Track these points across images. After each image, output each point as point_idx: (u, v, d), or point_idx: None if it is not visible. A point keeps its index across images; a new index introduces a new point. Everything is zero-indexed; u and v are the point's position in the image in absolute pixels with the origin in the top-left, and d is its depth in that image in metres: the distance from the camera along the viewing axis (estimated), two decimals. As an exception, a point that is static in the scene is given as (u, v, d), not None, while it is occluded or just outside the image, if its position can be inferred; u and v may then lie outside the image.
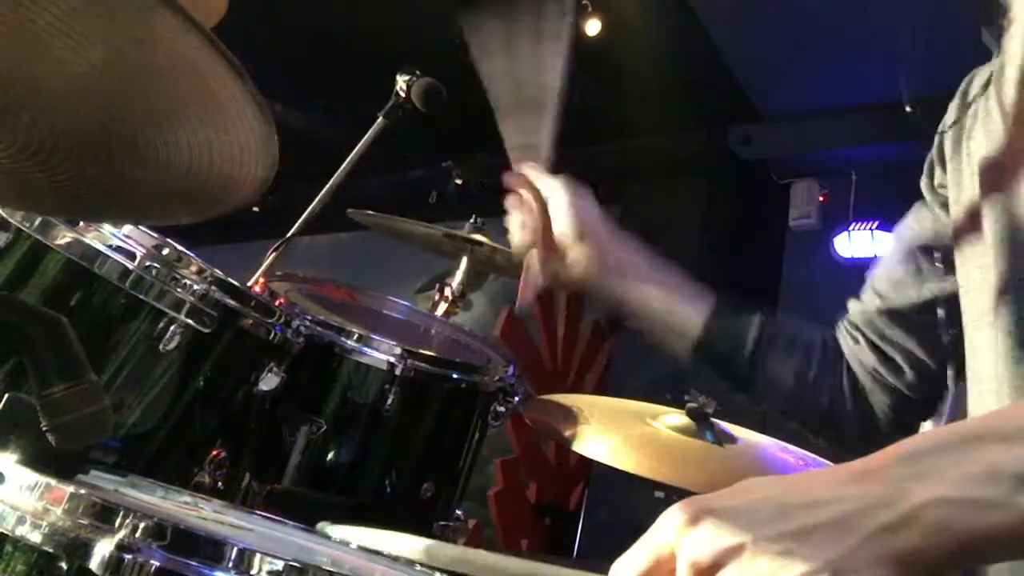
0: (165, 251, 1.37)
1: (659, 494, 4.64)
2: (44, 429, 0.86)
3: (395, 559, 0.98)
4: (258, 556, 0.74)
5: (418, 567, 0.94)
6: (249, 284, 1.73)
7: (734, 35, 4.65)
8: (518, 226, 1.27)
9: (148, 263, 1.35)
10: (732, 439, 1.43)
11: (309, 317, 1.60)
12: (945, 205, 1.13)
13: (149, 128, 0.81)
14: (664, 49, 4.60)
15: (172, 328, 1.37)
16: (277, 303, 1.56)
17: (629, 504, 4.89)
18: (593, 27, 4.65)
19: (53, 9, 0.68)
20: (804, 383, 1.24)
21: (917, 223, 1.20)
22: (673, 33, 4.57)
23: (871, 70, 4.36)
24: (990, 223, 0.97)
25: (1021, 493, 0.59)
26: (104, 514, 0.74)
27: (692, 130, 5.40)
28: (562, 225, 1.26)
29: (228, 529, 1.00)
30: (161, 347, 1.37)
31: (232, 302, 1.43)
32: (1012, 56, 0.99)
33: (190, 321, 1.38)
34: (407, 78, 2.21)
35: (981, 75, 1.11)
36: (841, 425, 1.24)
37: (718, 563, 0.59)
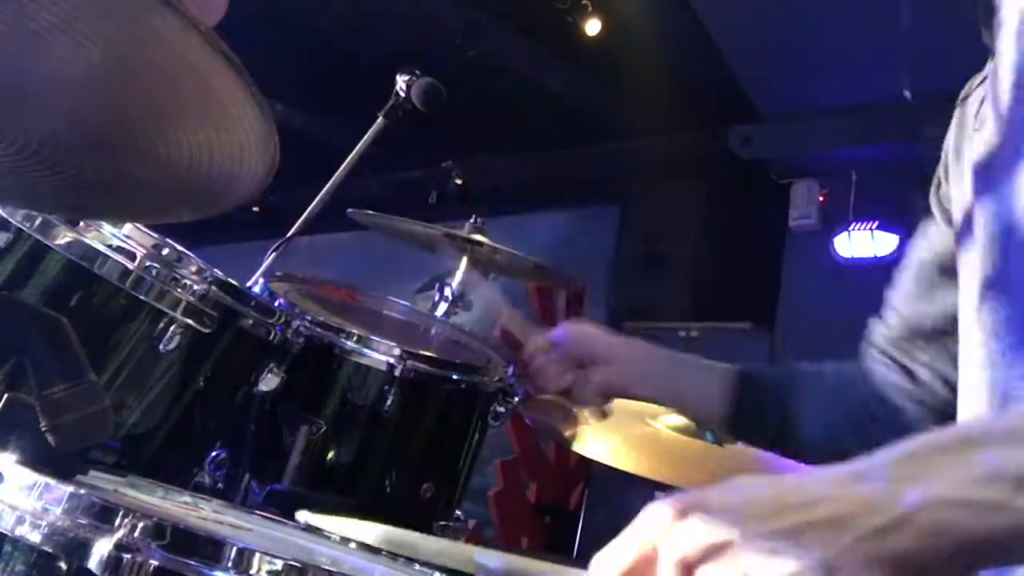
0: (165, 251, 1.37)
1: (659, 494, 4.63)
2: (44, 429, 0.86)
3: (395, 559, 0.98)
4: (257, 556, 0.74)
5: (417, 567, 0.94)
6: (249, 284, 1.73)
7: (734, 35, 4.66)
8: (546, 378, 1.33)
9: (148, 263, 1.35)
10: (732, 439, 1.43)
11: (309, 317, 1.60)
12: (950, 220, 1.14)
13: (149, 127, 0.81)
14: (664, 49, 4.60)
15: (172, 328, 1.37)
16: (277, 303, 1.56)
17: (629, 504, 4.88)
18: (593, 27, 4.65)
19: (53, 9, 0.68)
20: (836, 436, 1.23)
21: (927, 240, 1.21)
22: (673, 33, 4.58)
23: (871, 70, 4.36)
24: (980, 226, 0.97)
25: (1021, 495, 0.58)
26: (103, 514, 0.74)
27: (692, 130, 5.40)
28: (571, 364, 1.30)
29: (227, 529, 1.00)
30: (161, 347, 1.37)
31: (232, 302, 1.43)
32: (1003, 58, 0.99)
33: (190, 321, 1.38)
34: (407, 78, 2.21)
35: (978, 83, 1.11)
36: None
37: (704, 558, 0.58)
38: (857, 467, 0.63)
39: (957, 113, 1.14)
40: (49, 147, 0.83)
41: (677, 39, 4.61)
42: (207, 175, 0.84)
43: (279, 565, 0.74)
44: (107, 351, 1.34)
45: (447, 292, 2.07)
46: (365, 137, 2.23)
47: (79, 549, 0.72)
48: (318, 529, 1.02)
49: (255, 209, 6.48)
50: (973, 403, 0.98)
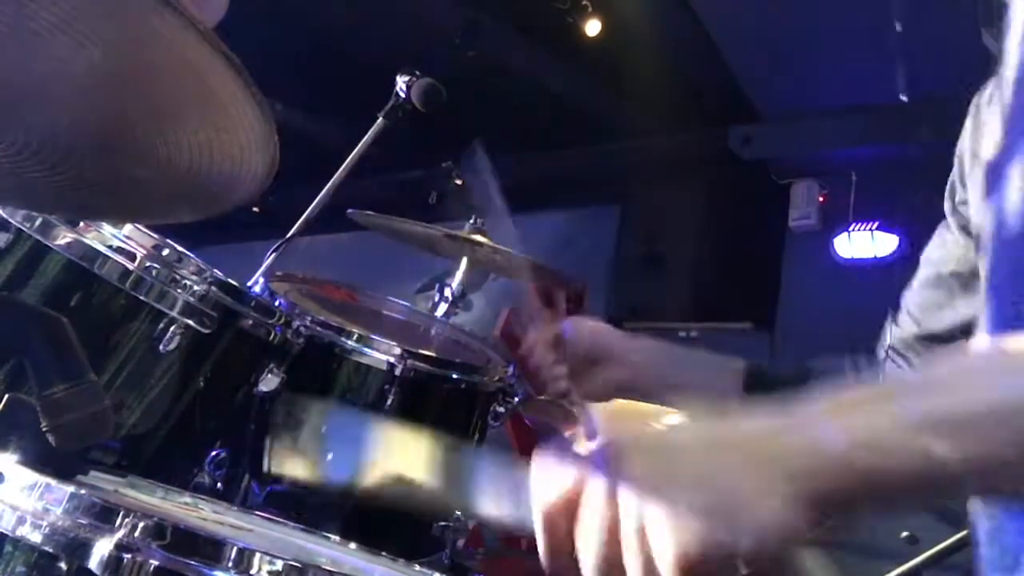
0: (165, 252, 1.36)
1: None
2: (44, 429, 0.86)
3: (395, 559, 0.98)
4: (257, 556, 0.74)
5: (417, 567, 0.94)
6: (249, 284, 1.73)
7: (734, 35, 4.65)
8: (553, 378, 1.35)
9: (148, 264, 1.35)
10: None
11: (309, 317, 1.60)
12: (965, 228, 1.14)
13: (149, 127, 0.81)
14: (664, 49, 4.60)
15: (172, 329, 1.37)
16: (277, 304, 1.56)
17: (629, 504, 4.88)
18: (593, 27, 4.65)
19: (53, 9, 0.68)
20: None
21: (943, 247, 1.21)
22: (673, 33, 4.58)
23: (871, 70, 4.36)
24: (988, 223, 0.97)
25: (925, 439, 0.61)
26: (104, 514, 0.74)
27: (692, 130, 5.40)
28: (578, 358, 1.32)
29: (228, 529, 1.00)
30: (161, 347, 1.37)
31: (232, 302, 1.43)
32: (1010, 58, 0.99)
33: (190, 322, 1.38)
34: (407, 78, 2.20)
35: (991, 86, 1.11)
36: None
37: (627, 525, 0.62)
38: (783, 413, 0.66)
39: (971, 116, 1.13)
40: (49, 147, 0.83)
41: (677, 39, 4.61)
42: (207, 175, 0.84)
43: (279, 565, 0.74)
44: (107, 351, 1.34)
45: (447, 292, 2.07)
46: (365, 137, 2.23)
47: (80, 549, 0.72)
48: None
49: (255, 209, 6.48)
50: None
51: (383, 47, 4.21)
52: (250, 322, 1.46)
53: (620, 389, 1.33)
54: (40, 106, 0.80)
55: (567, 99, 5.33)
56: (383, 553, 1.01)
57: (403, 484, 0.99)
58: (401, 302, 2.03)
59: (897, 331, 1.27)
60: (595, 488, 0.65)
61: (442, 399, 1.71)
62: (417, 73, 2.22)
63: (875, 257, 4.87)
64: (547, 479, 0.68)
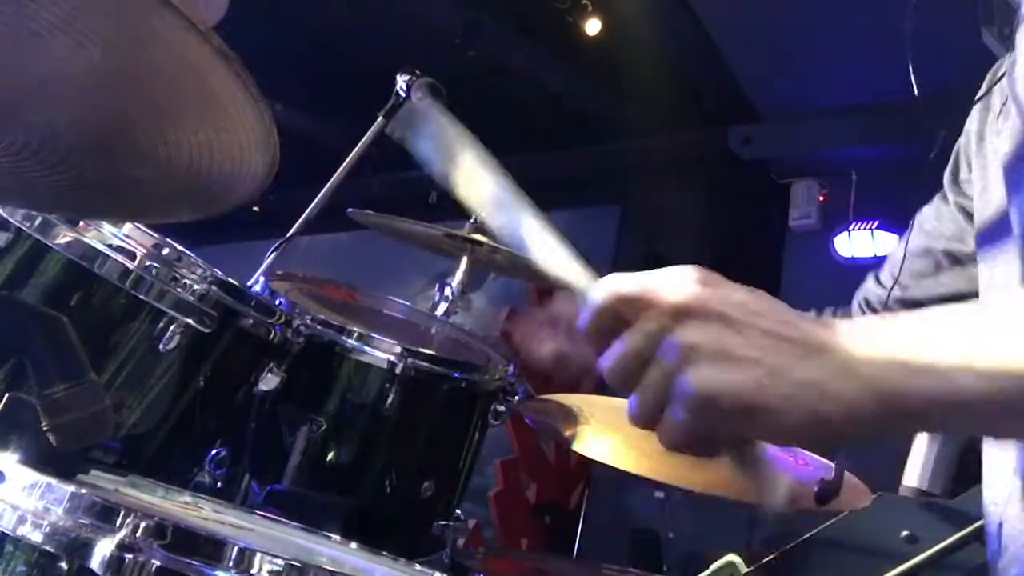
0: (165, 251, 1.37)
1: (659, 494, 4.63)
2: (44, 429, 0.86)
3: (395, 559, 0.99)
4: (258, 555, 0.74)
5: (417, 567, 0.94)
6: (249, 284, 1.73)
7: (734, 35, 4.65)
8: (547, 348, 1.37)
9: (148, 263, 1.35)
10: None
11: (309, 317, 1.60)
12: (964, 208, 1.15)
13: (149, 127, 0.81)
14: (664, 49, 4.60)
15: (172, 328, 1.37)
16: (277, 303, 1.56)
17: (629, 504, 4.88)
18: (593, 27, 4.65)
19: (53, 9, 0.68)
20: None
21: (938, 220, 1.23)
22: (673, 33, 4.57)
23: (871, 70, 4.35)
24: (1016, 222, 0.97)
25: (959, 365, 0.63)
26: (105, 514, 0.74)
27: (692, 130, 5.40)
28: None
29: (228, 529, 1.00)
30: (161, 347, 1.37)
31: (232, 302, 1.43)
32: (1022, 57, 0.99)
33: (190, 321, 1.38)
34: (407, 78, 2.20)
35: (1001, 73, 1.11)
36: None
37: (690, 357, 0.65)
38: (820, 340, 0.68)
39: (981, 103, 1.14)
40: (49, 147, 0.83)
41: (677, 39, 4.61)
42: (207, 175, 0.84)
43: (280, 565, 0.74)
44: (107, 351, 1.34)
45: (447, 292, 2.07)
46: (365, 137, 2.23)
47: (81, 549, 0.72)
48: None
49: (255, 209, 6.47)
50: None
51: (383, 47, 4.21)
52: (250, 321, 1.46)
53: None
54: (40, 106, 0.80)
55: (567, 99, 5.32)
56: (383, 553, 1.01)
57: None
58: (401, 302, 2.03)
59: (877, 288, 1.30)
60: (668, 301, 0.69)
61: (442, 398, 1.71)
62: (417, 73, 2.22)
63: (875, 256, 4.87)
64: (630, 278, 0.71)
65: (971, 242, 1.16)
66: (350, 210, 2.22)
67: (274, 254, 1.98)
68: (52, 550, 0.73)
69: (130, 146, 0.83)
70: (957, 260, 1.21)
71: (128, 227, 1.34)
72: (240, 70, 0.72)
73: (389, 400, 1.61)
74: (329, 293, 1.96)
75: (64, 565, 0.72)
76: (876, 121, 4.72)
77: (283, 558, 0.74)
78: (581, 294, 0.73)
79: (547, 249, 0.78)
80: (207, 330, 1.39)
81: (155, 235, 1.37)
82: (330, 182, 2.20)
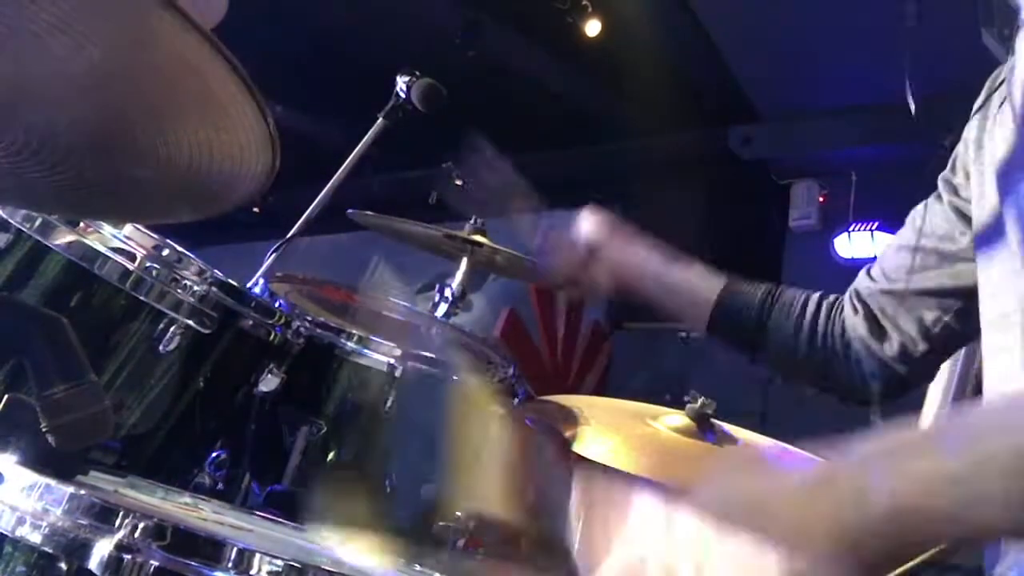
0: (165, 252, 1.36)
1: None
2: (44, 429, 0.86)
3: (395, 559, 0.98)
4: (258, 556, 0.74)
5: (418, 567, 0.94)
6: (249, 285, 1.73)
7: (734, 35, 4.65)
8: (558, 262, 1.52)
9: (148, 264, 1.35)
10: (732, 440, 1.43)
11: (309, 318, 1.60)
12: (958, 209, 1.17)
13: (149, 127, 0.81)
14: (664, 49, 4.60)
15: (172, 329, 1.37)
16: (277, 304, 1.55)
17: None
18: (593, 27, 4.65)
19: (53, 9, 0.68)
20: (801, 340, 1.38)
21: (931, 219, 1.27)
22: (673, 33, 4.57)
23: (871, 70, 4.35)
24: (1012, 228, 0.98)
25: (957, 494, 0.62)
26: (103, 514, 0.74)
27: (692, 130, 5.39)
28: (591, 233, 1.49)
29: (228, 529, 1.00)
30: (161, 348, 1.37)
31: (232, 303, 1.43)
32: (1022, 60, 0.99)
33: (190, 322, 1.38)
34: (407, 78, 2.20)
35: (1002, 75, 1.12)
36: (837, 383, 1.38)
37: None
38: (833, 468, 0.67)
39: (980, 101, 1.15)
40: (49, 147, 0.83)
41: (677, 39, 4.60)
42: (207, 175, 0.84)
43: (279, 565, 0.74)
44: (107, 351, 1.34)
45: (447, 292, 2.07)
46: (365, 137, 2.23)
47: (80, 550, 0.72)
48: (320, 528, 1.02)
49: (255, 209, 6.47)
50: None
51: (383, 47, 4.21)
52: (250, 322, 1.46)
53: (617, 281, 1.46)
54: (40, 106, 0.80)
55: (567, 99, 5.32)
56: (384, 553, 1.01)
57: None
58: (401, 302, 2.03)
59: (867, 281, 1.34)
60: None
61: (442, 399, 1.71)
62: (417, 73, 2.22)
63: (875, 257, 4.84)
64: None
65: (962, 241, 1.19)
66: (350, 210, 2.22)
67: (274, 255, 1.98)
68: (51, 551, 0.73)
69: (130, 146, 0.83)
70: (945, 258, 1.23)
71: (128, 228, 1.34)
72: (240, 70, 0.72)
73: (388, 401, 1.61)
74: (329, 294, 1.96)
75: (63, 566, 0.72)
76: (876, 121, 4.72)
77: (282, 559, 0.74)
78: None
79: None
80: (207, 331, 1.39)
81: (155, 236, 1.37)
82: (330, 182, 2.20)
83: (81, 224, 1.31)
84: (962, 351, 1.53)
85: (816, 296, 1.42)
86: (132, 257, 1.34)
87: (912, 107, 1.18)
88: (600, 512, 0.76)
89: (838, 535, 0.62)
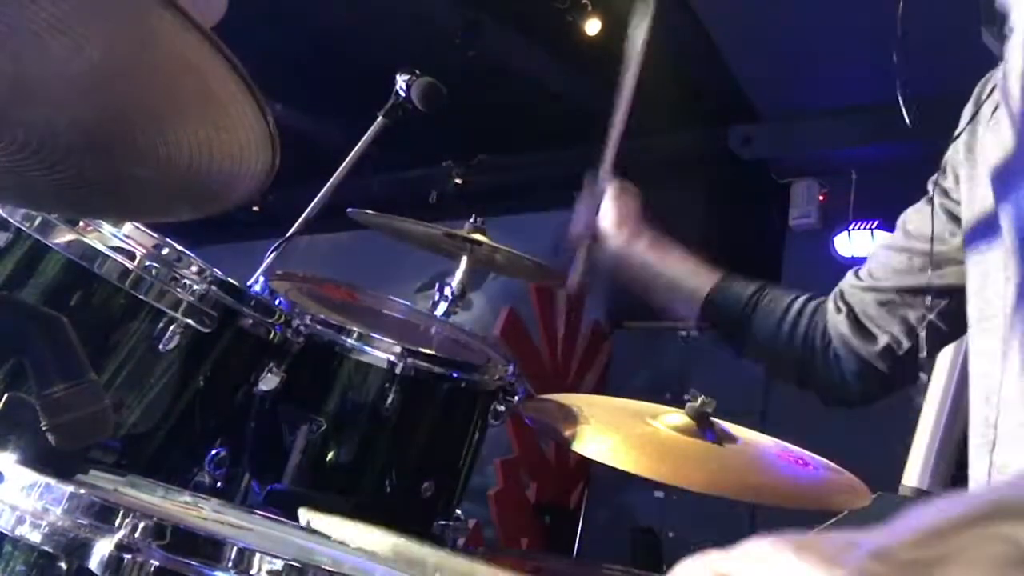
0: (165, 251, 1.37)
1: (659, 494, 4.64)
2: (44, 429, 0.86)
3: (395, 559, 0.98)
4: (258, 556, 0.74)
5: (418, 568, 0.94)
6: (249, 283, 1.73)
7: (734, 35, 4.65)
8: (579, 221, 1.64)
9: (148, 263, 1.35)
10: (732, 439, 1.43)
11: (309, 316, 1.60)
12: (949, 211, 1.19)
13: (149, 127, 0.81)
14: (664, 49, 4.59)
15: (172, 328, 1.37)
16: (277, 303, 1.56)
17: (629, 504, 4.89)
18: (593, 27, 4.65)
19: (53, 9, 0.68)
20: (782, 337, 1.43)
21: (920, 221, 1.28)
22: (673, 33, 4.57)
23: (871, 70, 4.35)
24: (1008, 229, 0.98)
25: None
26: (104, 514, 0.74)
27: (692, 130, 5.39)
28: (607, 218, 1.63)
29: (228, 529, 1.00)
30: (161, 347, 1.37)
31: (232, 302, 1.43)
32: (1014, 66, 1.00)
33: (190, 321, 1.38)
34: (407, 78, 2.21)
35: (991, 81, 1.13)
36: (816, 381, 1.42)
37: None
38: (877, 544, 0.61)
39: (969, 109, 1.15)
40: (49, 146, 0.83)
41: (677, 39, 4.60)
42: (207, 175, 0.84)
43: (279, 565, 0.74)
44: (107, 351, 1.34)
45: (447, 291, 2.07)
46: (365, 137, 2.23)
47: (80, 549, 0.72)
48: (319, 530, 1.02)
49: (255, 209, 6.47)
50: (992, 399, 0.99)
51: (383, 47, 4.21)
52: (250, 321, 1.46)
53: (620, 264, 1.57)
54: (40, 106, 0.80)
55: (567, 99, 5.32)
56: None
57: None
58: (401, 301, 2.03)
59: (853, 280, 1.37)
60: None
61: (442, 398, 1.71)
62: (417, 73, 2.22)
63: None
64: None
65: (951, 242, 1.21)
66: (350, 209, 2.22)
67: (274, 254, 1.98)
68: (51, 550, 0.73)
69: (130, 146, 0.83)
70: (932, 259, 1.25)
71: (128, 227, 1.34)
72: (240, 70, 0.72)
73: (389, 400, 1.61)
74: (329, 293, 1.96)
75: (63, 565, 0.72)
76: (876, 121, 4.72)
77: (282, 558, 0.74)
78: None
79: None
80: (207, 330, 1.39)
81: (155, 235, 1.37)
82: (330, 182, 2.20)
83: (81, 223, 1.31)
84: (963, 351, 1.57)
85: (804, 296, 1.46)
86: (132, 256, 1.34)
87: (906, 115, 1.20)
88: None
89: None
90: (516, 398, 1.76)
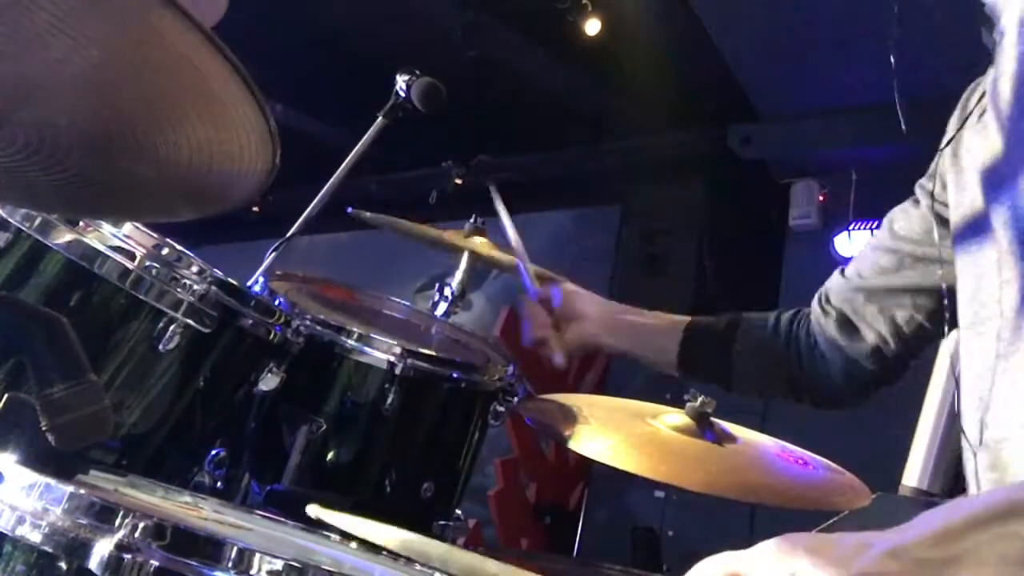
0: (165, 251, 1.36)
1: (659, 494, 4.64)
2: (44, 429, 0.86)
3: (395, 558, 0.98)
4: (257, 556, 0.74)
5: (418, 567, 0.94)
6: (249, 284, 1.73)
7: (734, 35, 4.65)
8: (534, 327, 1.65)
9: (148, 263, 1.35)
10: (732, 439, 1.43)
11: (309, 317, 1.60)
12: (937, 213, 1.20)
13: (149, 127, 0.81)
14: (664, 49, 4.60)
15: (172, 328, 1.37)
16: (277, 303, 1.56)
17: (629, 504, 4.89)
18: (593, 27, 4.65)
19: (53, 9, 0.68)
20: (765, 346, 1.47)
21: (908, 222, 1.30)
22: (673, 33, 4.57)
23: (871, 70, 4.35)
24: (1001, 232, 0.98)
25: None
26: (103, 514, 0.74)
27: (692, 130, 5.40)
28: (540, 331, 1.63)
29: (228, 529, 1.00)
30: (161, 347, 1.37)
31: (232, 302, 1.43)
32: (1004, 69, 1.00)
33: (190, 321, 1.38)
34: (407, 78, 2.20)
35: (979, 88, 1.13)
36: (806, 388, 1.45)
37: None
38: (891, 541, 0.62)
39: (956, 115, 1.16)
40: (49, 146, 0.83)
41: (677, 39, 4.60)
42: (207, 175, 0.84)
43: (279, 565, 0.74)
44: (107, 351, 1.34)
45: (447, 292, 2.07)
46: (365, 137, 2.23)
47: (79, 549, 0.72)
48: (321, 527, 1.02)
49: (255, 209, 6.48)
50: (984, 397, 0.99)
51: (383, 47, 4.21)
52: (250, 321, 1.46)
53: (583, 343, 1.60)
54: (40, 106, 0.80)
55: (567, 99, 5.32)
56: (383, 552, 1.01)
57: None
58: (401, 302, 2.03)
59: (840, 281, 1.39)
60: None
61: (442, 398, 1.71)
62: (417, 73, 2.22)
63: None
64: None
65: (939, 243, 1.22)
66: (350, 209, 2.22)
67: (274, 254, 1.98)
68: (51, 550, 0.73)
69: (130, 146, 0.83)
70: (919, 260, 1.27)
71: (128, 227, 1.34)
72: (240, 70, 0.72)
73: (389, 400, 1.61)
74: (329, 293, 1.96)
75: (63, 565, 0.72)
76: (876, 121, 4.72)
77: (282, 558, 0.74)
78: None
79: None
80: (207, 330, 1.39)
81: (155, 235, 1.37)
82: (330, 182, 2.20)
83: (81, 223, 1.31)
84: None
85: (779, 310, 1.51)
86: (132, 256, 1.34)
87: (902, 120, 1.21)
88: None
89: None
90: (516, 398, 1.76)
